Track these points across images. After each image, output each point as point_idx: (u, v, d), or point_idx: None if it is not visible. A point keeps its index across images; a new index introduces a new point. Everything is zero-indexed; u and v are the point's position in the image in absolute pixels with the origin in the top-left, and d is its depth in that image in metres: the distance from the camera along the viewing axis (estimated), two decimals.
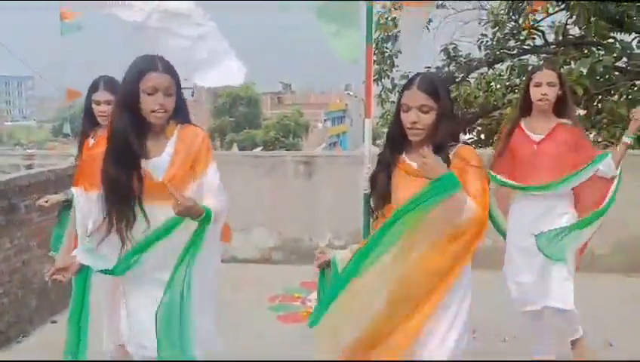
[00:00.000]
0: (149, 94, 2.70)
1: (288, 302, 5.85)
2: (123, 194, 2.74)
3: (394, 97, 11.25)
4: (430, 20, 11.31)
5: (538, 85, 3.81)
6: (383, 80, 11.35)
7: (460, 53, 10.90)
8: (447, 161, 2.60)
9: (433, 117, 2.64)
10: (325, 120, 69.15)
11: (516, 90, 9.61)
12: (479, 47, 10.41)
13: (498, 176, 3.96)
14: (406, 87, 2.71)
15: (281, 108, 65.61)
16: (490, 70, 10.74)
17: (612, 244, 6.30)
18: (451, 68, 10.90)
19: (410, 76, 2.77)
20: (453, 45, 10.96)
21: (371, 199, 2.92)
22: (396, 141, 2.78)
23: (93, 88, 3.78)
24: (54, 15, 5.21)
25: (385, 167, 2.81)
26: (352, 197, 6.14)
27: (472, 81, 10.85)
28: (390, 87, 11.37)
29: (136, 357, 2.96)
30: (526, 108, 3.92)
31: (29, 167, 5.73)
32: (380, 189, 2.82)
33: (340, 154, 7.73)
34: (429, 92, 2.64)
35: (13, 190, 4.82)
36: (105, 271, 2.88)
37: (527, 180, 3.86)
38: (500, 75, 10.53)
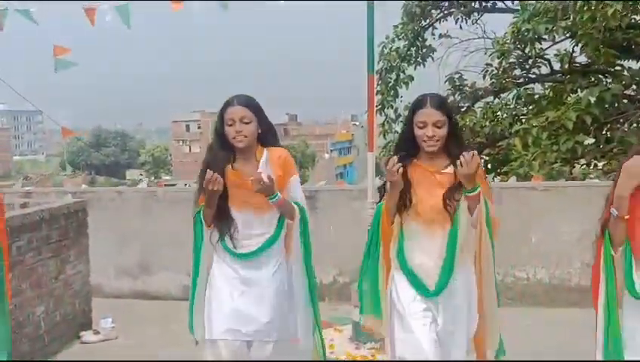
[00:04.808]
0: (229, 125, 3.26)
1: None
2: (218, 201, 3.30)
3: (397, 127, 11.13)
4: (434, 50, 11.26)
5: None
6: (386, 110, 11.25)
7: (466, 83, 10.80)
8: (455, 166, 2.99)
9: (445, 130, 3.03)
10: (331, 150, 69.22)
11: (523, 120, 9.47)
12: (484, 76, 10.30)
13: None
14: (418, 106, 3.05)
15: (287, 140, 65.79)
16: (496, 99, 10.62)
17: None
18: (456, 97, 10.80)
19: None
20: (459, 75, 10.86)
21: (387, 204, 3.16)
22: (409, 152, 3.11)
23: None
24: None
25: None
26: (357, 233, 5.96)
27: (477, 110, 10.72)
28: (394, 117, 11.26)
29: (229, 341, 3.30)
30: None
31: (24, 205, 5.56)
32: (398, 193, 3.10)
33: (344, 188, 7.54)
34: (441, 109, 3.03)
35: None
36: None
37: None
38: (506, 104, 10.41)
